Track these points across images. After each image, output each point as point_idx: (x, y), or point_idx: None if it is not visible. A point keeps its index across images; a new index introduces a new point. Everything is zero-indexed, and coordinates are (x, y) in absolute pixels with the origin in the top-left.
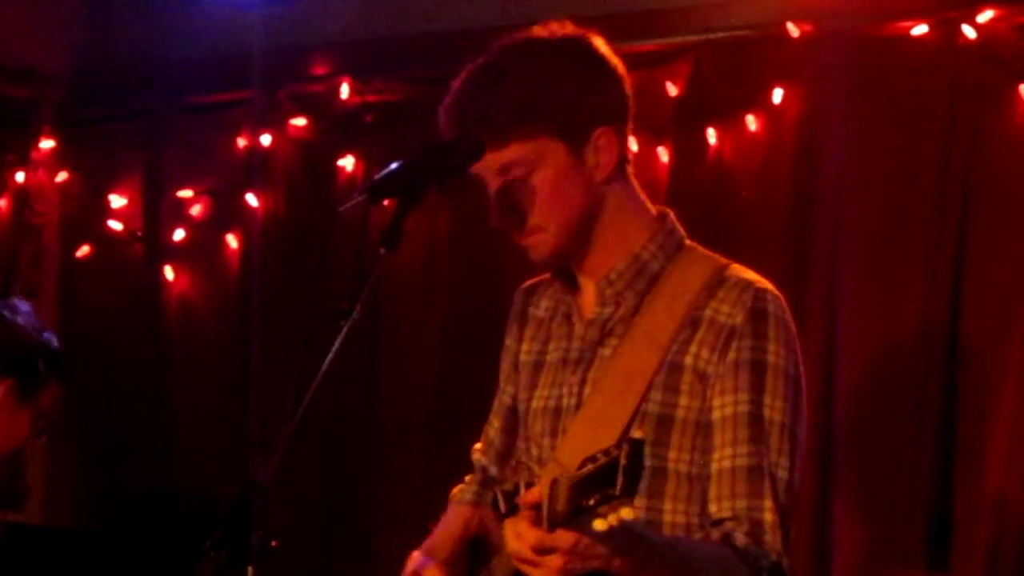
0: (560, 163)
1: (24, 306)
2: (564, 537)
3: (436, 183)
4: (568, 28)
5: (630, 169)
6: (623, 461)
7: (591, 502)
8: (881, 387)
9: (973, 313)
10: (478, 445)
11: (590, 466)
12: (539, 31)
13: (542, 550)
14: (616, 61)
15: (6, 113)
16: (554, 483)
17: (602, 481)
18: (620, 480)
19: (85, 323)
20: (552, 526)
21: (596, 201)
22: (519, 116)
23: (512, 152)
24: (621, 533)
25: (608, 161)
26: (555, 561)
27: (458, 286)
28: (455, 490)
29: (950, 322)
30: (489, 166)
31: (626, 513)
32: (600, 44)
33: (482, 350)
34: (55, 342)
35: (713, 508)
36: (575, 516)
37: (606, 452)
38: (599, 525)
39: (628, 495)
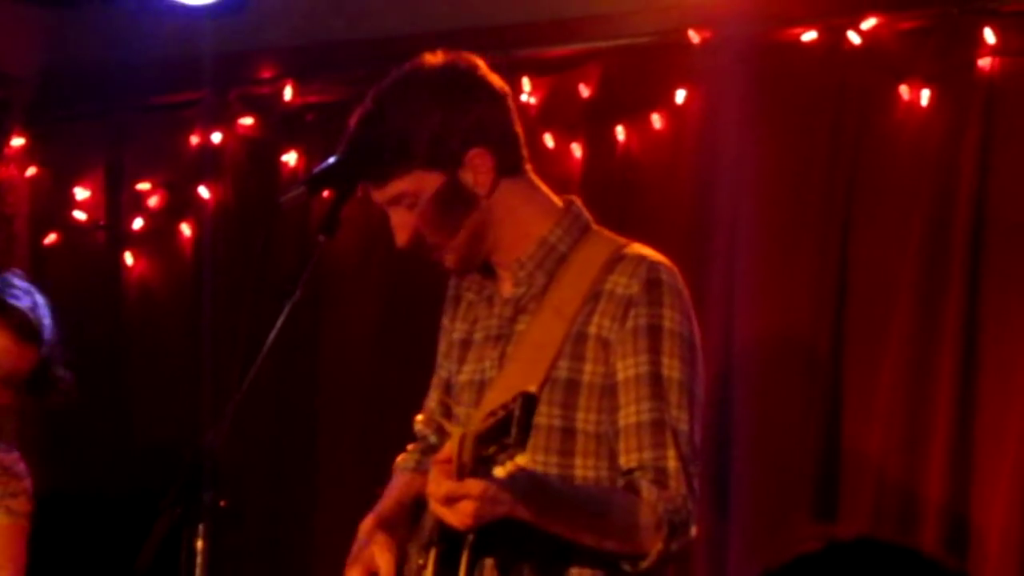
0: (439, 189)
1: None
2: (473, 485)
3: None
4: (440, 58)
5: (528, 167)
6: (517, 413)
7: (491, 451)
8: (775, 358)
9: (857, 294)
10: (420, 416)
11: (491, 420)
12: (415, 63)
13: (454, 498)
14: (491, 80)
15: None
16: (462, 437)
17: (500, 432)
18: (514, 430)
19: (53, 304)
20: (461, 475)
21: (485, 212)
22: (393, 157)
23: (394, 188)
24: (522, 480)
25: (485, 179)
26: (466, 507)
27: (392, 269)
28: (399, 458)
29: (836, 304)
30: (379, 200)
31: (520, 459)
32: (473, 68)
33: (415, 326)
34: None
35: (622, 460)
36: (481, 466)
37: (504, 407)
38: (499, 472)
39: (522, 444)
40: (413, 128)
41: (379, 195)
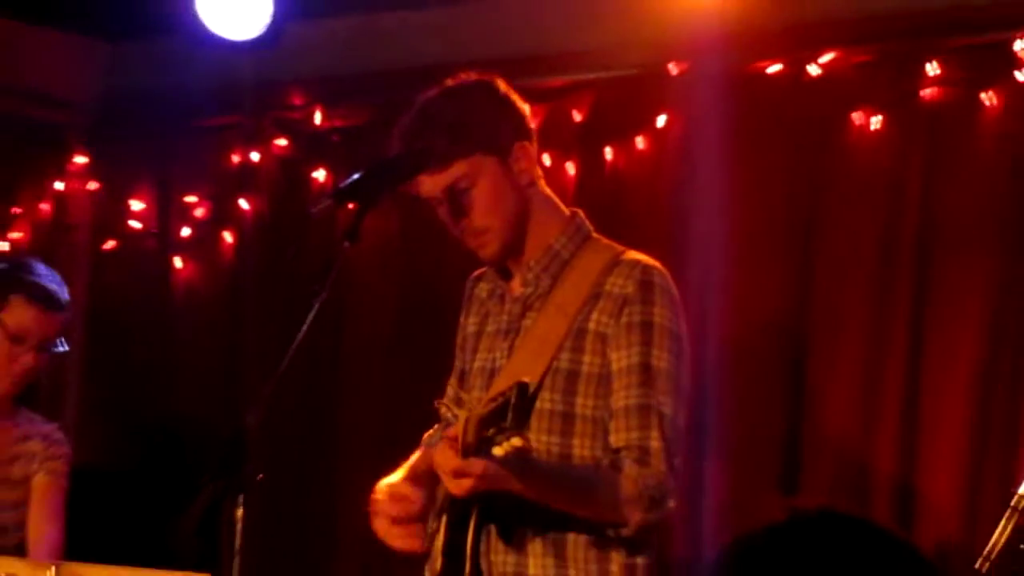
0: (494, 172)
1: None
2: (474, 463)
3: (389, 191)
4: (474, 75)
5: (542, 180)
6: (513, 400)
7: (491, 433)
8: (745, 352)
9: (819, 295)
10: (443, 401)
11: (491, 405)
12: (452, 81)
13: (459, 474)
14: (515, 95)
15: (47, 135)
16: (467, 420)
17: (499, 417)
18: (511, 415)
19: (109, 302)
20: (465, 454)
21: (525, 201)
22: (455, 140)
23: (455, 170)
24: (517, 460)
25: (529, 167)
26: (467, 483)
27: (407, 272)
28: (426, 435)
29: (800, 303)
30: (437, 186)
31: (516, 441)
32: (501, 83)
33: (428, 321)
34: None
35: (612, 439)
36: (483, 446)
37: (502, 394)
38: (497, 452)
39: (518, 427)
40: (470, 118)
41: (437, 181)
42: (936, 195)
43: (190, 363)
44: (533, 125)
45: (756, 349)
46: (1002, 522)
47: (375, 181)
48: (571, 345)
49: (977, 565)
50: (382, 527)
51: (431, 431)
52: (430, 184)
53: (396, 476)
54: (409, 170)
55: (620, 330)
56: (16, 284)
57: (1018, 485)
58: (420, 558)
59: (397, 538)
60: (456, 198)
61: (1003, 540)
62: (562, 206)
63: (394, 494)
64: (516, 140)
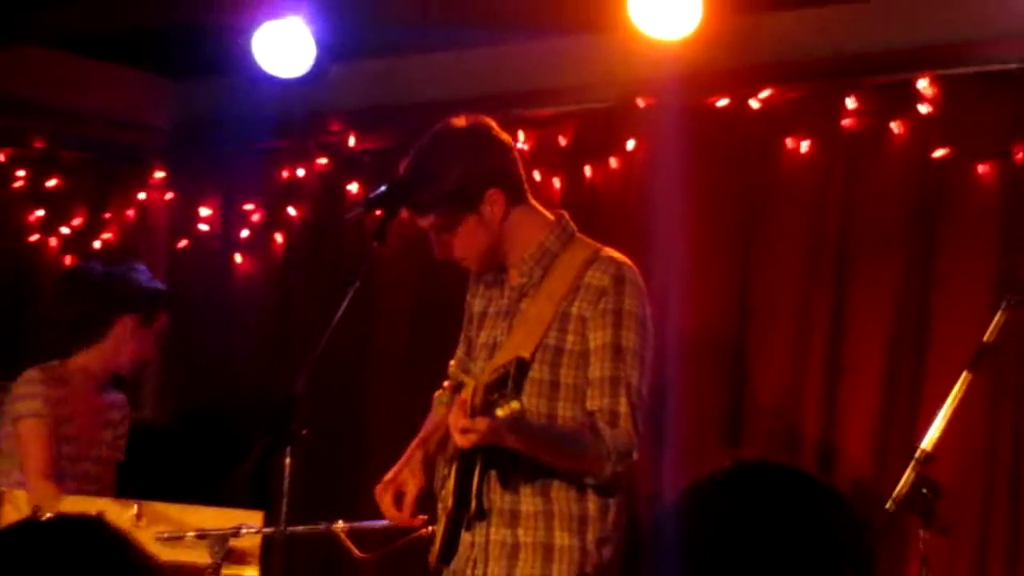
0: (466, 221)
1: (141, 266)
2: (479, 422)
3: (402, 205)
4: (463, 120)
5: (529, 194)
6: (512, 372)
7: (494, 397)
8: (698, 335)
9: (757, 288)
10: (452, 362)
11: (494, 375)
12: (445, 124)
13: (466, 431)
14: (501, 136)
15: (132, 154)
16: (474, 387)
17: (501, 385)
18: (510, 384)
19: (182, 291)
20: (473, 414)
21: (497, 233)
22: (432, 198)
23: (431, 218)
24: (515, 420)
25: (498, 211)
26: (473, 437)
27: (424, 266)
28: (436, 393)
29: (741, 296)
30: (420, 224)
31: (514, 405)
32: (488, 128)
33: (441, 304)
34: (162, 286)
35: (588, 404)
36: (487, 408)
37: (504, 366)
38: (499, 413)
39: (516, 394)
40: (444, 176)
41: (420, 221)
42: (853, 205)
43: (247, 341)
44: (514, 160)
45: (706, 331)
46: (907, 471)
47: (392, 196)
48: (557, 326)
49: (887, 506)
50: (385, 511)
51: (439, 391)
52: (420, 222)
53: (390, 473)
54: (405, 202)
55: (597, 315)
56: (167, 301)
57: (919, 441)
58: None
59: (395, 519)
60: (437, 235)
61: (907, 486)
62: (546, 212)
63: (388, 487)
64: (487, 188)
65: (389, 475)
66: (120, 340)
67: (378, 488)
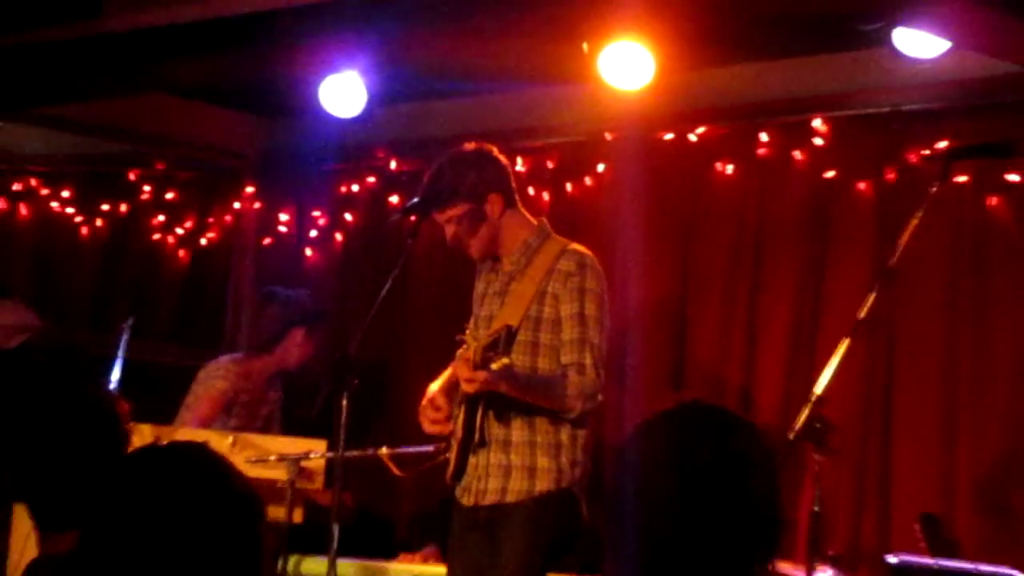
0: (473, 214)
1: (305, 290)
2: (479, 373)
3: (428, 212)
4: (473, 145)
5: (519, 203)
6: (503, 336)
7: (490, 355)
8: (650, 311)
9: (695, 275)
10: (464, 333)
11: (490, 339)
12: (461, 148)
13: (470, 380)
14: (500, 158)
15: (229, 173)
16: (475, 348)
17: (495, 345)
18: (501, 345)
19: (267, 278)
20: (474, 368)
21: (496, 228)
22: (450, 197)
23: (450, 212)
24: (506, 372)
25: (497, 210)
26: (476, 385)
27: (447, 257)
28: (458, 352)
29: (683, 282)
30: (442, 219)
31: (505, 360)
32: (490, 151)
33: (459, 286)
34: (323, 307)
35: (562, 359)
36: (485, 363)
37: (497, 332)
38: (494, 366)
39: (506, 352)
40: (460, 182)
41: (440, 217)
42: (765, 213)
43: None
44: (511, 177)
45: (656, 307)
46: (804, 410)
47: (430, 201)
48: (537, 301)
49: (790, 436)
50: (424, 422)
51: (460, 350)
52: (440, 217)
53: (434, 386)
54: (430, 205)
55: (566, 292)
56: (327, 318)
57: (814, 387)
58: (447, 436)
59: (432, 427)
60: (452, 227)
61: (804, 419)
62: (531, 218)
63: (431, 402)
64: (490, 192)
65: (426, 399)
66: (290, 346)
67: (422, 405)
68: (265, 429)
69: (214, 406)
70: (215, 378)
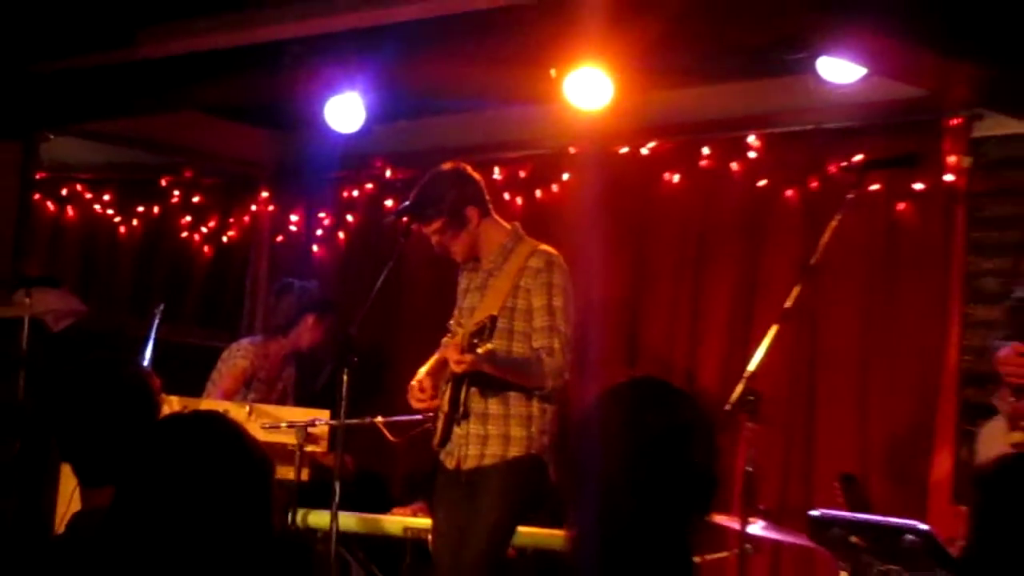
0: (453, 227)
1: (315, 282)
2: (467, 356)
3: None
4: (451, 165)
5: (492, 211)
6: (487, 324)
7: (476, 341)
8: (608, 299)
9: (648, 271)
10: (452, 321)
11: (475, 326)
12: (441, 167)
13: (458, 362)
14: (474, 175)
15: (247, 180)
16: (463, 335)
17: (481, 333)
18: (485, 333)
19: (280, 270)
20: (462, 352)
21: (474, 236)
22: (432, 213)
23: (434, 225)
24: (488, 355)
25: (474, 219)
26: (463, 366)
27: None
28: (443, 340)
29: (635, 278)
30: (426, 231)
31: (488, 345)
32: (465, 169)
33: (444, 280)
34: (329, 298)
35: (534, 344)
36: (470, 347)
37: (482, 321)
38: (480, 350)
39: (488, 339)
40: (440, 199)
41: (426, 230)
42: (708, 216)
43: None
44: (484, 191)
45: (614, 297)
46: (739, 385)
47: (414, 214)
48: (512, 295)
49: (727, 407)
50: (412, 400)
51: (445, 338)
52: (426, 230)
53: (423, 371)
54: (416, 220)
55: (536, 286)
56: (334, 307)
57: (748, 365)
58: (433, 410)
59: (418, 404)
60: (436, 237)
61: (739, 393)
62: (505, 223)
63: (418, 384)
64: (467, 205)
65: (414, 381)
66: (303, 330)
67: (410, 385)
68: (281, 402)
69: (236, 382)
70: (237, 357)
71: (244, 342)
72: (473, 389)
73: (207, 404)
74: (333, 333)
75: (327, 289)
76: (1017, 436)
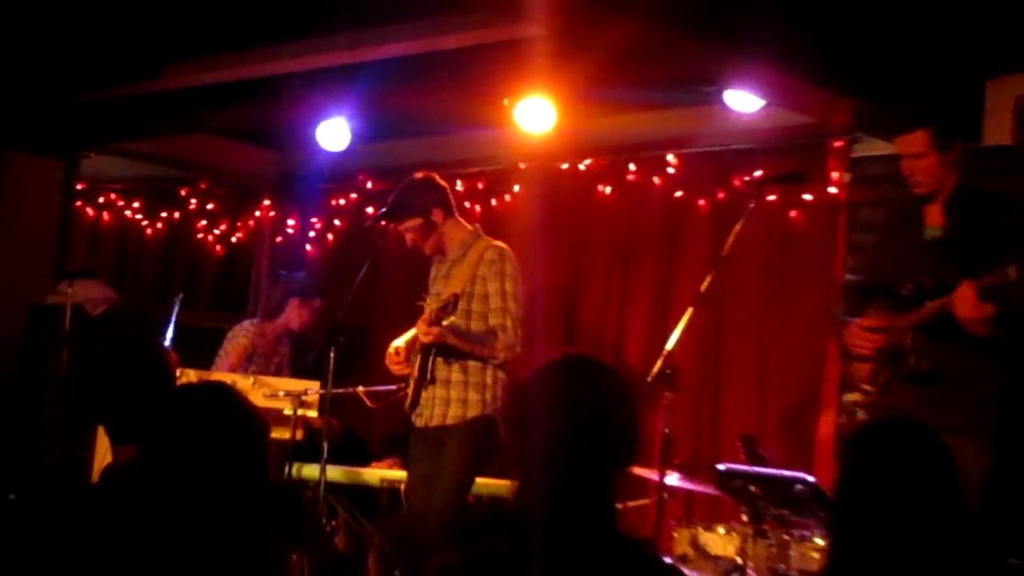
0: (423, 225)
1: (303, 272)
2: (434, 329)
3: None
4: (423, 174)
5: (456, 213)
6: (451, 302)
7: (442, 316)
8: (550, 294)
9: (580, 271)
10: (423, 302)
11: (440, 304)
12: (414, 176)
13: (426, 334)
14: (442, 183)
15: (252, 190)
16: (431, 311)
17: (444, 310)
18: (449, 308)
19: (279, 265)
20: (430, 325)
21: (441, 233)
22: (406, 214)
23: (407, 224)
24: (451, 328)
25: (440, 219)
26: (429, 337)
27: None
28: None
29: (572, 275)
30: (401, 228)
31: (452, 319)
32: (434, 178)
33: (417, 272)
34: (316, 281)
35: (490, 322)
36: (436, 321)
37: (447, 300)
38: (445, 323)
39: (452, 313)
40: (412, 202)
41: (401, 228)
42: (633, 223)
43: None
44: (450, 196)
45: (554, 288)
46: (659, 360)
47: (388, 215)
48: (471, 282)
49: (648, 379)
50: (389, 364)
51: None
52: (400, 228)
53: (397, 341)
54: (393, 219)
55: (491, 275)
56: (320, 290)
57: (666, 344)
58: (406, 378)
59: (394, 367)
60: (409, 235)
61: (658, 368)
62: (467, 224)
63: (394, 351)
64: (434, 207)
65: (391, 348)
66: (290, 313)
67: (387, 353)
68: (277, 374)
69: (239, 357)
70: (239, 336)
71: (245, 323)
72: (439, 359)
73: (217, 376)
74: (321, 315)
75: (317, 280)
76: (854, 396)
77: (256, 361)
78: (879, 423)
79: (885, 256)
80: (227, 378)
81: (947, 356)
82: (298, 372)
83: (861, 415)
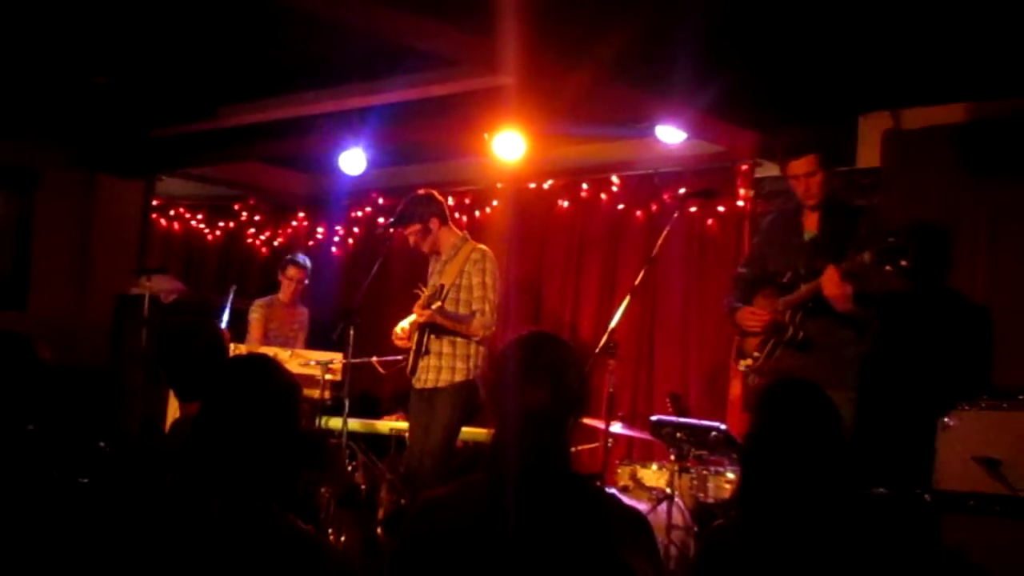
0: (423, 231)
1: (298, 254)
2: (426, 311)
3: (400, 228)
4: (424, 191)
5: (450, 222)
6: (440, 290)
7: (432, 302)
8: (521, 287)
9: (545, 272)
10: (419, 290)
11: (433, 291)
12: (417, 192)
13: (421, 315)
14: (439, 197)
15: (289, 206)
16: (425, 296)
17: (435, 296)
18: (439, 296)
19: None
20: (423, 309)
21: (436, 237)
22: (409, 220)
23: (410, 229)
24: (441, 311)
25: (436, 226)
26: (423, 319)
27: (410, 253)
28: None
29: (537, 275)
30: (405, 232)
31: (438, 305)
32: (433, 193)
33: (419, 269)
34: (292, 258)
35: (473, 307)
36: (429, 304)
37: (438, 288)
38: (434, 306)
39: (442, 300)
40: (415, 212)
41: (405, 232)
42: (585, 230)
43: (335, 285)
44: (444, 208)
45: (524, 283)
46: (604, 337)
47: (394, 224)
48: (459, 276)
49: (596, 351)
50: (395, 340)
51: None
52: (405, 232)
53: (403, 323)
54: (399, 225)
55: (475, 271)
56: (293, 264)
57: (610, 322)
58: (407, 350)
59: (399, 343)
60: (412, 238)
61: (604, 341)
62: (457, 230)
63: (401, 330)
64: (432, 216)
65: (397, 328)
66: (281, 285)
67: (394, 332)
68: (295, 336)
69: (258, 330)
70: (254, 313)
71: (257, 302)
72: (432, 335)
73: (263, 350)
74: (297, 282)
75: (290, 255)
76: (747, 362)
77: (273, 330)
78: (783, 382)
79: (769, 255)
80: (269, 351)
81: (818, 328)
82: (326, 346)
83: (752, 378)
